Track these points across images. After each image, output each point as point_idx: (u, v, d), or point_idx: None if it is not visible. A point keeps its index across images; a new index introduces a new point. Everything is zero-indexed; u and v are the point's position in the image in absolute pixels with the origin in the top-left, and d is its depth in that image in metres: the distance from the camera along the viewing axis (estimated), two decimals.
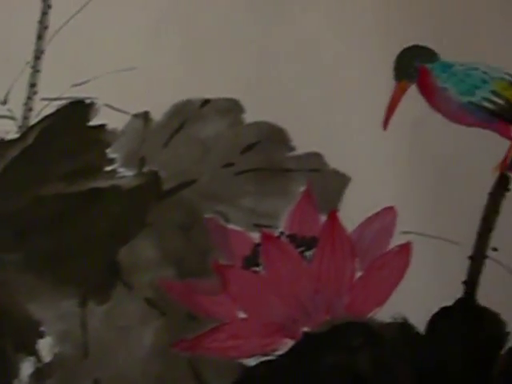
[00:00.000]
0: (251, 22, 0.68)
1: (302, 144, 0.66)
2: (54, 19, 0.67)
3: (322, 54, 0.68)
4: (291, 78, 0.67)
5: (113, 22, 0.67)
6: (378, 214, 0.63)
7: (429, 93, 0.67)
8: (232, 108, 0.66)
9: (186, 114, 0.66)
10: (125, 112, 0.65)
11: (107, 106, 0.65)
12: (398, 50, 0.67)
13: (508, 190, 0.65)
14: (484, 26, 0.70)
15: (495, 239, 0.63)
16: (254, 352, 0.59)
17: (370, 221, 0.63)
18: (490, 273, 0.62)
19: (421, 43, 0.68)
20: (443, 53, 0.68)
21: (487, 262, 0.63)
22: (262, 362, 0.58)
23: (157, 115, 0.65)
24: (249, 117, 0.66)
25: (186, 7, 0.68)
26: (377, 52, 0.68)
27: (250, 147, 0.66)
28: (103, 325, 0.60)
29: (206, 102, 0.65)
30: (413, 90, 0.68)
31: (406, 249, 0.61)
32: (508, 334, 0.60)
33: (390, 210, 0.63)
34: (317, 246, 0.61)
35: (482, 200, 0.65)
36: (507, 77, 0.68)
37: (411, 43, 0.68)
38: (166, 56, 0.67)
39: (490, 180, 0.65)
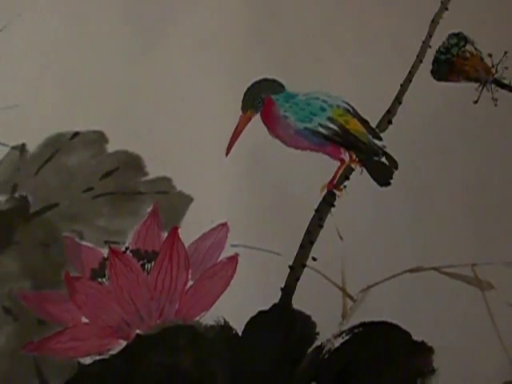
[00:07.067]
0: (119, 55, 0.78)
1: (154, 169, 0.74)
2: None
3: (179, 88, 0.77)
4: (150, 109, 0.77)
5: None
6: (213, 229, 0.71)
7: (271, 121, 0.75)
8: (97, 139, 0.76)
9: (57, 146, 0.75)
10: (4, 144, 0.75)
11: None
12: (248, 84, 0.76)
13: (333, 205, 0.73)
14: (329, 60, 0.78)
15: (315, 250, 0.71)
16: (90, 352, 0.68)
17: (205, 236, 0.71)
18: (307, 280, 0.70)
19: (270, 76, 0.76)
20: (290, 84, 0.76)
21: (306, 270, 0.70)
22: (96, 361, 0.67)
23: (32, 147, 0.73)
24: (111, 146, 0.76)
25: (67, 48, 0.78)
26: (228, 86, 0.76)
27: (108, 174, 0.75)
28: None
29: (76, 134, 0.75)
30: (256, 120, 0.76)
31: (233, 260, 0.69)
32: (317, 334, 0.68)
33: (223, 225, 0.71)
34: (156, 259, 0.70)
35: (309, 216, 0.72)
36: (344, 104, 0.76)
37: (261, 76, 0.76)
38: (46, 94, 0.77)
39: (318, 198, 0.73)
